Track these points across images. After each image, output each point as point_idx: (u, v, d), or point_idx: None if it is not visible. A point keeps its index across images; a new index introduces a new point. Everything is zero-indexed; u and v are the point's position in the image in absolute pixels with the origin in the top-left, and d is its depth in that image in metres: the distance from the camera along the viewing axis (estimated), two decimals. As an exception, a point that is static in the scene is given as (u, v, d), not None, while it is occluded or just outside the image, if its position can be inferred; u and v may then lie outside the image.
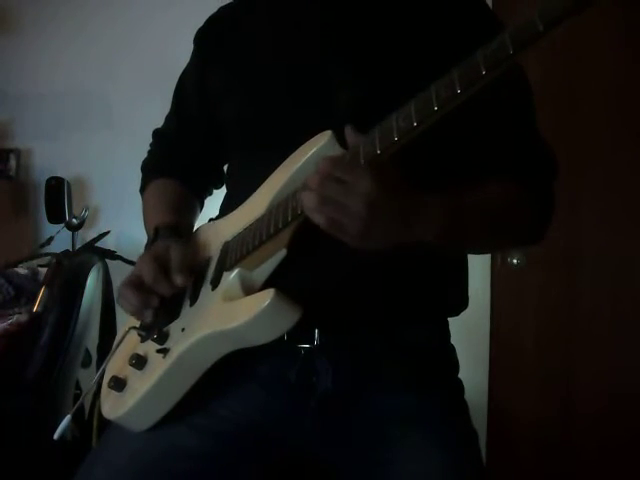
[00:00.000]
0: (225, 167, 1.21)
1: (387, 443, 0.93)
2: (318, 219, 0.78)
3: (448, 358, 1.04)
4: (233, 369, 0.90)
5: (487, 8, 1.03)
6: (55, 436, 0.94)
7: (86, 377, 2.06)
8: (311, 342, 0.92)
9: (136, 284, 0.94)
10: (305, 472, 0.98)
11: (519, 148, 0.99)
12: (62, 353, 1.73)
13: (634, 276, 2.23)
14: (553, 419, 2.30)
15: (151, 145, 1.25)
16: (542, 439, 2.29)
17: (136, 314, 0.96)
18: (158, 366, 0.91)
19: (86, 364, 2.03)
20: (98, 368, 2.06)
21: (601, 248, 2.22)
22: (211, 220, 1.12)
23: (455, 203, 0.86)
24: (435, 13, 0.98)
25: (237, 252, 0.92)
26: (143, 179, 1.23)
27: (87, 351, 2.03)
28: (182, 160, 1.19)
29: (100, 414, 0.99)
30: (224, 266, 0.93)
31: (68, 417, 0.95)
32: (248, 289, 0.88)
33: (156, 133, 1.25)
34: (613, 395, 2.21)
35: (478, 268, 2.21)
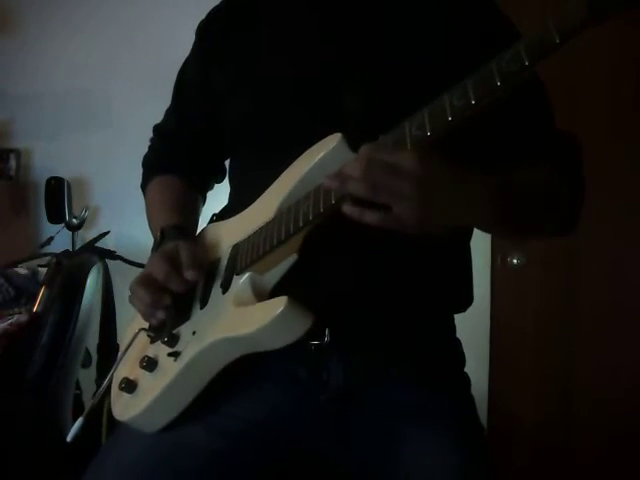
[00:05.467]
0: (227, 162, 1.19)
1: (397, 438, 0.93)
2: (370, 214, 0.76)
3: (456, 352, 1.05)
4: (243, 367, 0.90)
5: (500, 13, 1.01)
6: (68, 439, 0.93)
7: (86, 377, 2.06)
8: (321, 339, 0.92)
9: (147, 282, 0.94)
10: (313, 470, 0.98)
11: (543, 131, 0.99)
12: (62, 353, 1.73)
13: (634, 276, 2.23)
14: (553, 419, 2.30)
15: (152, 140, 1.24)
16: (542, 439, 2.29)
17: (148, 313, 0.95)
18: (170, 369, 0.91)
19: (86, 364, 2.03)
20: (98, 368, 2.07)
21: (601, 248, 2.22)
22: (214, 216, 1.12)
23: (501, 179, 0.84)
24: (445, 17, 0.98)
25: (248, 256, 0.91)
26: (144, 175, 1.22)
27: (87, 351, 2.03)
28: (183, 155, 1.18)
29: (109, 413, 0.99)
30: (234, 269, 0.93)
31: (80, 420, 0.94)
32: (259, 293, 0.88)
33: (157, 128, 1.24)
34: (613, 395, 2.21)
35: (478, 268, 2.20)
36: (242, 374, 0.93)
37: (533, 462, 2.31)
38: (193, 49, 1.17)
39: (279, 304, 0.80)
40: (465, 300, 1.04)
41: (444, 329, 1.04)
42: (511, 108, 0.90)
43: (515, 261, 2.27)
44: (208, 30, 1.14)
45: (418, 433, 0.93)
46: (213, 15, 1.15)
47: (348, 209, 0.77)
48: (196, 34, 1.16)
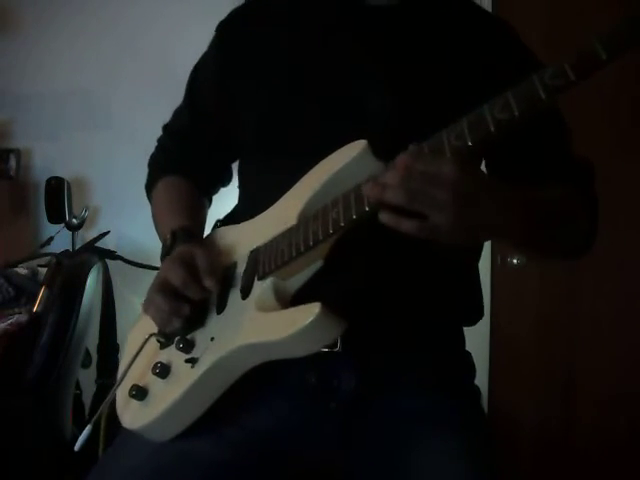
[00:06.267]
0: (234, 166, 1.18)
1: (406, 446, 0.92)
2: (407, 222, 0.76)
3: (466, 363, 1.05)
4: (252, 374, 0.89)
5: (522, 43, 1.04)
6: (76, 448, 0.92)
7: (86, 377, 2.06)
8: (333, 346, 0.90)
9: (164, 290, 0.91)
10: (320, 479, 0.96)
11: (561, 154, 1.01)
12: (62, 353, 1.73)
13: (634, 276, 2.23)
14: (553, 419, 2.30)
15: (160, 140, 1.22)
16: (542, 440, 2.29)
17: (164, 321, 0.93)
18: (186, 376, 0.89)
19: (86, 364, 2.03)
20: (98, 368, 2.06)
21: (601, 248, 2.22)
22: (218, 222, 1.10)
23: (528, 193, 0.85)
24: (467, 31, 1.00)
25: (272, 262, 0.89)
26: (150, 175, 1.20)
27: (87, 351, 2.03)
28: (193, 157, 1.16)
29: (107, 422, 0.97)
30: (256, 275, 0.91)
31: (89, 427, 0.92)
32: (281, 298, 0.87)
33: (166, 127, 1.21)
34: (613, 395, 2.21)
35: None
36: (251, 382, 0.90)
37: (533, 462, 2.31)
38: (212, 47, 1.13)
39: (312, 311, 0.79)
40: (476, 313, 1.04)
41: (455, 339, 1.04)
42: (530, 129, 0.89)
43: (515, 261, 2.27)
44: (230, 31, 1.10)
45: (427, 439, 0.92)
46: (236, 16, 1.12)
47: (385, 216, 0.76)
48: (216, 31, 1.12)
